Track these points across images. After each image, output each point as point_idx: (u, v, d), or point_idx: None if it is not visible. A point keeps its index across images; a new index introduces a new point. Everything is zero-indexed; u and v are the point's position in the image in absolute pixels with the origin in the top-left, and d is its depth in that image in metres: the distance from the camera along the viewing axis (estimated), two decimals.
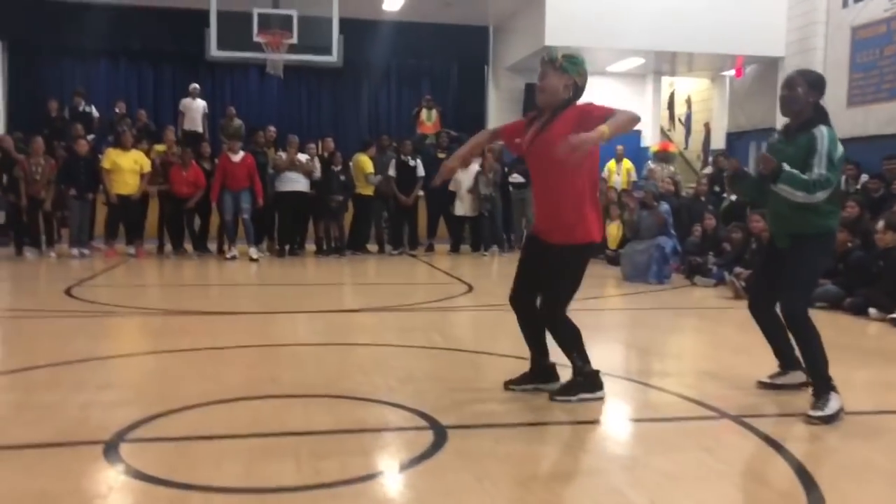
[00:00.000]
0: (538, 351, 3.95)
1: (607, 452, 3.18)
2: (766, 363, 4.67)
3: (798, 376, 4.00)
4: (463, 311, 6.99)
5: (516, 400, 3.84)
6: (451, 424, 3.39)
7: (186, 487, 2.66)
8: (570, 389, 3.76)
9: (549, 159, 3.55)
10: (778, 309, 3.81)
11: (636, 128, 14.26)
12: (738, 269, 8.03)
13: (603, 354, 5.27)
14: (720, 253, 8.97)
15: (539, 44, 12.96)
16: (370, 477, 2.81)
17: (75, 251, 10.46)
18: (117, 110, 13.37)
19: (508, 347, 5.19)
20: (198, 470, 2.83)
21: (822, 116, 3.74)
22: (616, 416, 3.75)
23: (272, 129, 12.14)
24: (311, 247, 11.60)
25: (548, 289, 3.76)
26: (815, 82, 3.79)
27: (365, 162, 11.45)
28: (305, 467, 2.91)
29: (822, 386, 3.61)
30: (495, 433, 3.34)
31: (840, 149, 3.63)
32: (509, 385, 3.95)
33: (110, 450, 3.01)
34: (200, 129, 13.82)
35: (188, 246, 11.15)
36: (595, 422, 3.59)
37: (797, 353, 3.88)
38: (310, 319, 6.16)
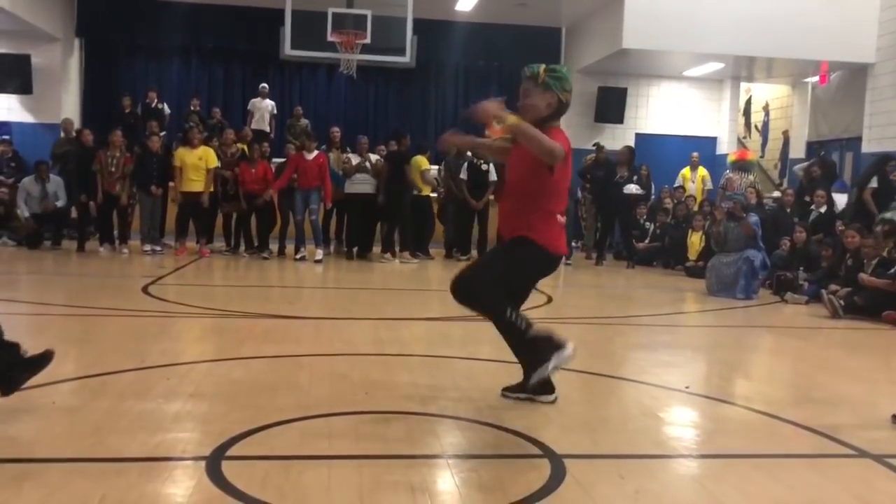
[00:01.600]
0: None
1: (744, 492, 2.89)
2: (889, 393, 4.33)
3: None
4: (548, 323, 6.71)
5: (632, 429, 3.58)
6: (568, 453, 3.14)
7: None
8: (537, 362, 3.53)
9: (522, 170, 3.54)
10: None
11: (710, 134, 14.04)
12: (833, 287, 7.60)
13: (699, 374, 5.00)
14: (811, 268, 8.53)
15: (616, 46, 12.64)
16: None
17: (147, 248, 10.50)
18: (192, 107, 13.46)
19: (604, 366, 4.94)
20: (307, 495, 2.64)
21: None
22: (735, 447, 3.43)
23: (336, 129, 12.02)
24: (377, 249, 11.46)
25: (477, 264, 3.74)
26: None
27: (421, 161, 11.23)
28: (420, 498, 2.70)
29: None
30: (618, 466, 3.08)
31: None
32: (504, 392, 3.88)
33: (213, 467, 2.84)
34: (268, 129, 13.86)
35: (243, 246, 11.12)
36: (721, 455, 3.30)
37: None
38: (390, 326, 5.97)
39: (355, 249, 11.22)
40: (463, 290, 3.62)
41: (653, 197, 12.74)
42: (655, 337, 6.28)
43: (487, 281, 3.56)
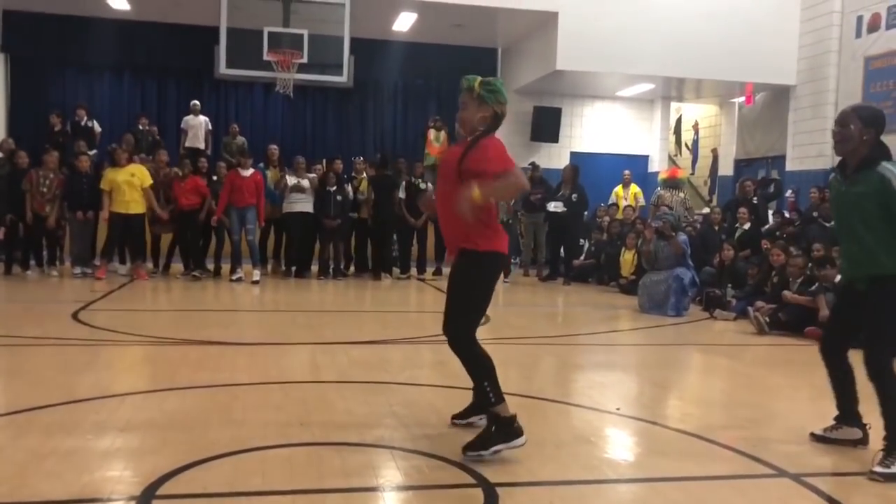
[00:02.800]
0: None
1: None
2: (810, 410, 4.52)
3: (854, 433, 3.83)
4: (483, 344, 6.78)
5: (564, 454, 3.65)
6: (502, 482, 3.19)
7: None
8: (484, 442, 3.43)
9: (449, 188, 3.48)
10: (856, 358, 3.65)
11: (642, 152, 14.34)
12: (759, 303, 7.88)
13: (630, 395, 5.13)
14: (739, 285, 8.83)
15: (550, 67, 12.89)
16: None
17: (78, 270, 10.23)
18: (140, 126, 13.19)
19: (538, 388, 5.02)
20: None
21: (882, 153, 3.58)
22: (664, 470, 3.54)
23: (274, 147, 11.95)
24: (314, 268, 11.41)
25: (450, 307, 3.56)
26: (869, 119, 3.61)
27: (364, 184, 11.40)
28: None
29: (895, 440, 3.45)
30: (551, 493, 3.14)
31: None
32: (454, 419, 3.92)
33: None
34: (202, 146, 13.66)
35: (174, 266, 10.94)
36: (648, 479, 3.40)
37: (859, 407, 3.72)
38: (329, 351, 5.95)
39: (293, 268, 11.15)
40: (454, 344, 3.59)
41: (585, 214, 12.98)
42: (589, 356, 6.41)
43: (464, 323, 3.55)
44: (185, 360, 5.44)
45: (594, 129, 15.58)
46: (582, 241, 12.24)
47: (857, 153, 3.60)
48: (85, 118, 13.17)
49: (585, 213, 12.61)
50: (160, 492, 2.98)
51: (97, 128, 13.36)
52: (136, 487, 2.99)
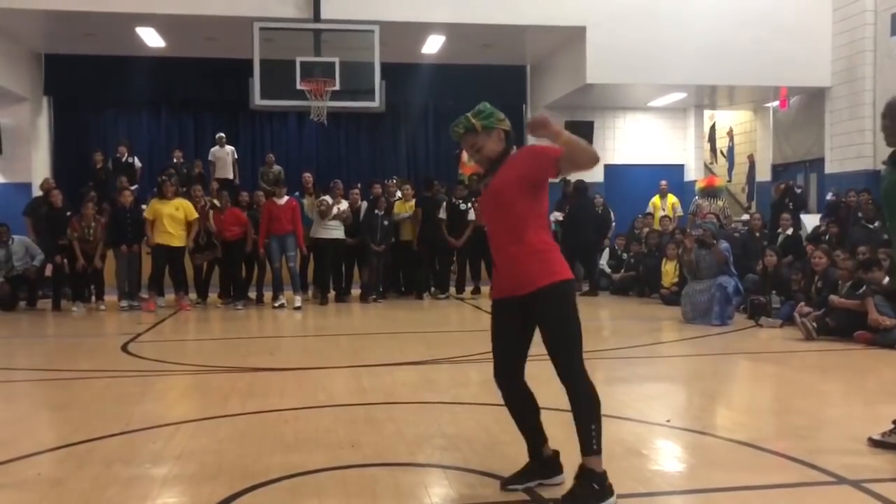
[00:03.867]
0: (536, 439, 3.44)
1: None
2: (864, 415, 4.43)
3: None
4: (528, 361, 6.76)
5: (616, 468, 3.63)
6: (554, 497, 3.19)
7: None
8: (578, 499, 3.08)
9: (500, 208, 3.26)
10: None
11: (678, 161, 14.24)
12: (806, 309, 7.76)
13: (679, 407, 5.08)
14: (783, 292, 8.70)
15: (581, 81, 12.90)
16: None
17: (125, 303, 10.45)
18: (175, 159, 13.49)
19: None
20: None
21: None
22: (718, 481, 3.49)
23: (308, 175, 12.14)
24: (355, 291, 11.51)
25: (557, 347, 3.22)
26: None
27: (400, 206, 11.52)
28: None
29: None
30: None
31: None
32: (507, 485, 3.35)
33: None
34: (231, 176, 13.90)
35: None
36: (704, 490, 3.37)
37: None
38: (374, 373, 6.00)
39: (331, 294, 11.25)
40: (567, 382, 3.29)
41: (612, 224, 12.93)
42: (634, 369, 6.36)
43: (577, 357, 3.26)
44: (234, 388, 5.52)
45: (628, 141, 15.53)
46: (623, 253, 12.17)
47: None
48: (126, 155, 13.53)
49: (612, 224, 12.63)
50: None
51: (137, 163, 13.70)
52: None
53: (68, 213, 10.63)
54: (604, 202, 12.85)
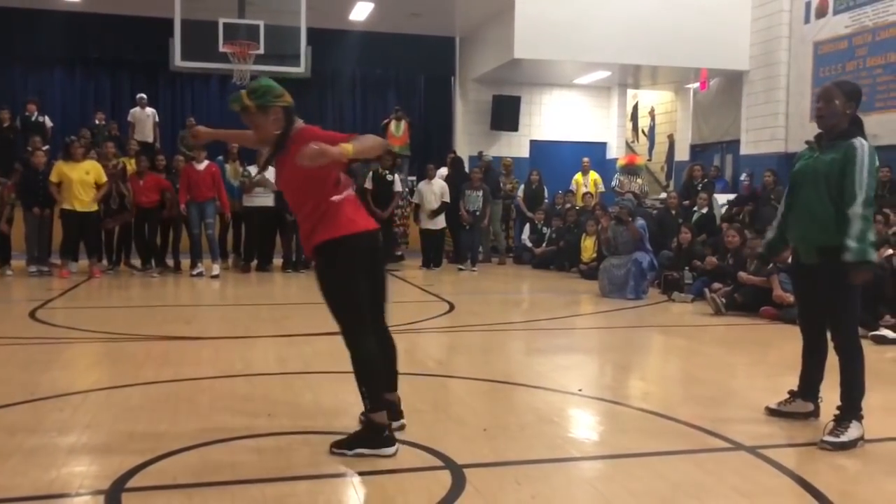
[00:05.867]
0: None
1: (631, 491, 3.06)
2: (765, 386, 4.66)
3: (807, 406, 3.98)
4: (448, 332, 6.86)
5: (529, 435, 3.73)
6: (468, 463, 3.26)
7: None
8: (350, 443, 3.35)
9: (297, 181, 3.31)
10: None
11: (601, 139, 14.55)
12: (716, 285, 8.06)
13: (592, 377, 5.24)
14: (695, 268, 9.01)
15: (508, 56, 12.96)
16: None
17: (34, 269, 10.05)
18: (97, 121, 12.94)
19: (503, 372, 5.11)
20: None
21: (858, 128, 3.70)
22: (626, 447, 3.63)
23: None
24: (276, 261, 11.35)
25: (330, 310, 3.41)
26: (851, 93, 3.72)
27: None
28: None
29: (849, 411, 3.61)
30: (516, 472, 3.21)
31: (876, 161, 3.61)
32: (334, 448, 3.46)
33: (112, 502, 2.81)
34: (151, 139, 13.47)
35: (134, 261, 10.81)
36: (610, 456, 3.50)
37: (820, 384, 3.88)
38: (291, 344, 5.96)
39: (254, 263, 11.08)
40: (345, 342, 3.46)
41: (546, 202, 13.14)
42: (552, 341, 6.51)
43: (346, 321, 3.40)
44: (148, 356, 5.40)
45: (553, 117, 15.72)
46: (545, 228, 12.36)
47: (838, 127, 3.71)
48: (36, 113, 12.92)
49: (545, 201, 12.83)
50: (129, 484, 2.99)
51: (49, 123, 13.11)
52: (104, 482, 3.00)
53: None
54: (539, 178, 12.98)
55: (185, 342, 5.93)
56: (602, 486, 3.09)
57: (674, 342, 6.70)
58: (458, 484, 3.04)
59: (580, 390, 4.58)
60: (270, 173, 10.85)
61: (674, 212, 10.82)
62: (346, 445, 3.36)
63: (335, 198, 3.34)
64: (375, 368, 3.40)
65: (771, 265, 7.59)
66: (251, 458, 3.35)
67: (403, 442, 3.50)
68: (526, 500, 2.92)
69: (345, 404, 4.22)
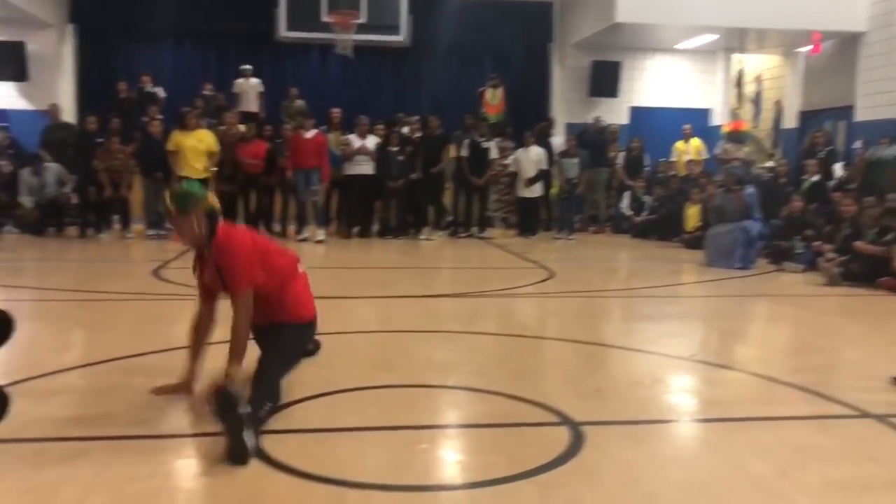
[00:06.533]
0: None
1: (756, 453, 3.03)
2: (885, 356, 4.51)
3: None
4: (550, 298, 6.87)
5: (643, 396, 3.74)
6: (585, 420, 3.30)
7: (341, 484, 2.62)
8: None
9: (217, 287, 3.51)
10: None
11: (703, 106, 14.06)
12: (830, 255, 7.77)
13: (702, 343, 5.17)
14: (806, 237, 8.69)
15: (609, 20, 12.67)
16: (520, 477, 2.72)
17: (152, 232, 10.59)
18: (205, 92, 13.46)
19: (611, 337, 5.11)
20: (344, 464, 2.79)
21: None
22: (743, 411, 3.58)
23: (336, 110, 12.05)
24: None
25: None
26: None
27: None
28: (451, 465, 2.87)
29: None
30: (633, 431, 3.24)
31: None
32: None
33: None
34: (255, 109, 13.85)
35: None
36: (730, 419, 3.46)
37: None
38: (400, 304, 6.12)
39: (355, 230, 11.33)
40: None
41: (646, 169, 12.90)
42: (658, 308, 6.44)
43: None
44: None
45: (654, 83, 15.31)
46: (645, 196, 12.15)
47: None
48: (150, 85, 13.51)
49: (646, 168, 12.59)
50: (264, 427, 3.15)
51: (161, 94, 13.68)
52: None
53: (98, 140, 10.70)
54: (640, 145, 12.76)
55: None
56: (725, 448, 3.08)
57: (786, 311, 6.51)
58: (577, 440, 3.08)
59: (693, 356, 4.54)
60: (371, 141, 11.11)
61: (783, 180, 10.44)
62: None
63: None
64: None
65: (891, 234, 7.28)
66: (374, 407, 3.49)
67: (519, 399, 3.57)
68: (646, 459, 2.94)
69: (457, 361, 4.33)
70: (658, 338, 5.15)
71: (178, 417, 3.28)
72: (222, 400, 2.92)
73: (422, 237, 11.12)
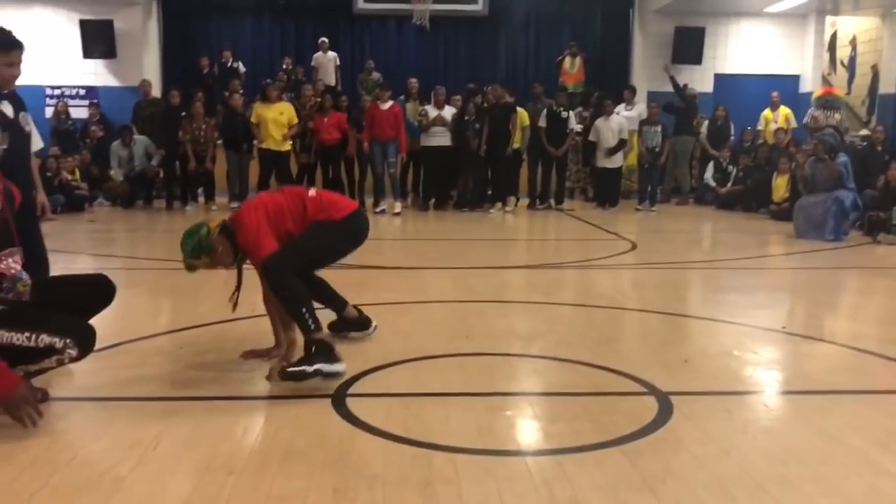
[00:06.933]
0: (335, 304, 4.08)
1: (854, 426, 2.91)
2: None
3: None
4: (634, 269, 6.74)
5: (733, 367, 3.64)
6: (673, 391, 3.23)
7: (427, 446, 2.64)
8: (304, 360, 3.25)
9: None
10: None
11: (792, 72, 13.43)
12: None
13: (794, 314, 4.99)
14: None
15: None
16: (607, 445, 2.69)
17: (235, 204, 10.85)
18: (284, 65, 13.69)
19: (697, 308, 4.99)
20: (430, 427, 2.82)
21: None
22: (838, 384, 3.43)
23: (414, 80, 12.02)
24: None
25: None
26: None
27: (522, 115, 11.23)
28: (535, 431, 2.86)
29: None
30: (724, 402, 3.15)
31: None
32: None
33: (339, 404, 3.04)
34: (333, 82, 13.96)
35: None
36: (825, 392, 3.34)
37: None
38: (478, 275, 6.10)
39: (432, 202, 11.35)
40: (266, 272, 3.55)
41: (732, 139, 12.48)
42: (745, 279, 6.24)
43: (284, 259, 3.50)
44: (348, 283, 5.68)
45: (740, 50, 14.74)
46: (730, 167, 11.77)
47: None
48: (231, 60, 13.79)
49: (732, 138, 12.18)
50: (351, 391, 3.21)
51: (242, 68, 13.95)
52: (330, 387, 3.23)
53: (182, 114, 11.01)
54: (725, 114, 12.37)
55: (379, 271, 6.21)
56: (820, 420, 2.96)
57: (882, 283, 6.23)
58: (666, 409, 3.03)
59: (784, 327, 4.39)
60: (447, 111, 11.06)
61: (880, 148, 9.94)
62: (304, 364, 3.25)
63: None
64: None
65: None
66: (457, 374, 3.50)
67: (604, 368, 3.53)
68: (738, 430, 2.86)
69: (538, 331, 4.30)
70: (745, 309, 4.99)
71: (266, 383, 3.36)
72: (290, 379, 3.18)
73: (501, 209, 11.05)
